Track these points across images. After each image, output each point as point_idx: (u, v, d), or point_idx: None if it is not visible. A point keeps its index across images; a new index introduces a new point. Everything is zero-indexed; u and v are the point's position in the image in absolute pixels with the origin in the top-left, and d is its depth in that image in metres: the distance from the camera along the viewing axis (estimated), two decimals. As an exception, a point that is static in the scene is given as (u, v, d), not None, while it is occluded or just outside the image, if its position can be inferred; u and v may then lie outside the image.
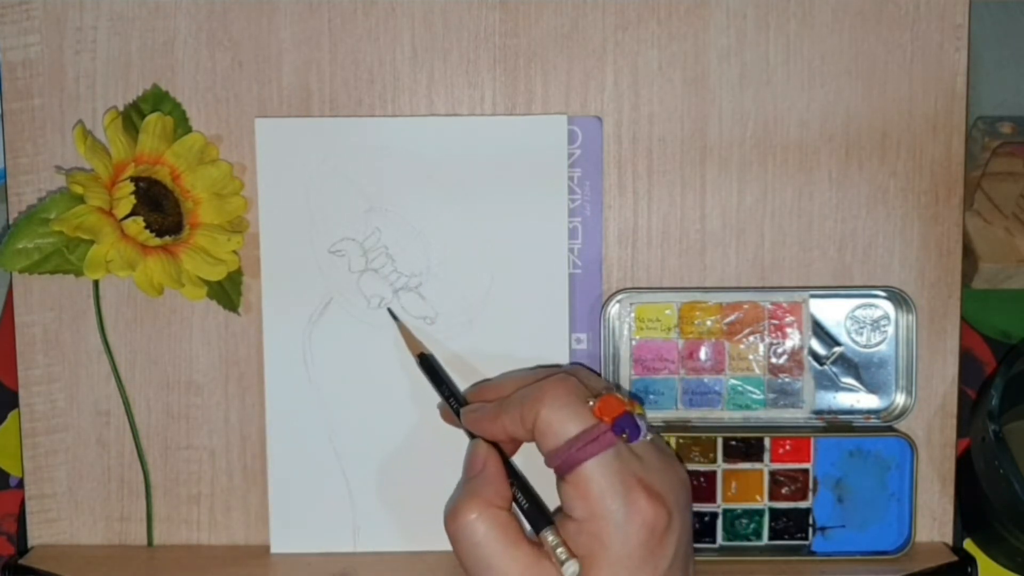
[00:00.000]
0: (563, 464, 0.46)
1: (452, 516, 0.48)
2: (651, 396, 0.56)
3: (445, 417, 0.54)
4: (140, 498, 0.57)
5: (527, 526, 0.48)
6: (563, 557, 0.46)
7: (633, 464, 0.46)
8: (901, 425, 0.56)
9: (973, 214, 0.59)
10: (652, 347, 0.56)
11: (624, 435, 0.47)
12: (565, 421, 0.47)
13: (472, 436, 0.51)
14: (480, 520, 0.47)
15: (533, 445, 0.49)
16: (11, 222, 0.56)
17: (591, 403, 0.47)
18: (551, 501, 0.49)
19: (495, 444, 0.50)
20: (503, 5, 0.56)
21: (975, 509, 0.57)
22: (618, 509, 0.45)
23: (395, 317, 0.55)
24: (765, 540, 0.56)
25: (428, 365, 0.54)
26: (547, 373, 0.50)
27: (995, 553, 0.58)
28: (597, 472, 0.46)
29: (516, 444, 0.51)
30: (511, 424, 0.48)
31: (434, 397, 0.54)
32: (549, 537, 0.47)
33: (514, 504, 0.49)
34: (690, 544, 0.48)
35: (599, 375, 0.55)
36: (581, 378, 0.49)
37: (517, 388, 0.50)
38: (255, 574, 0.55)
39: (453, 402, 0.53)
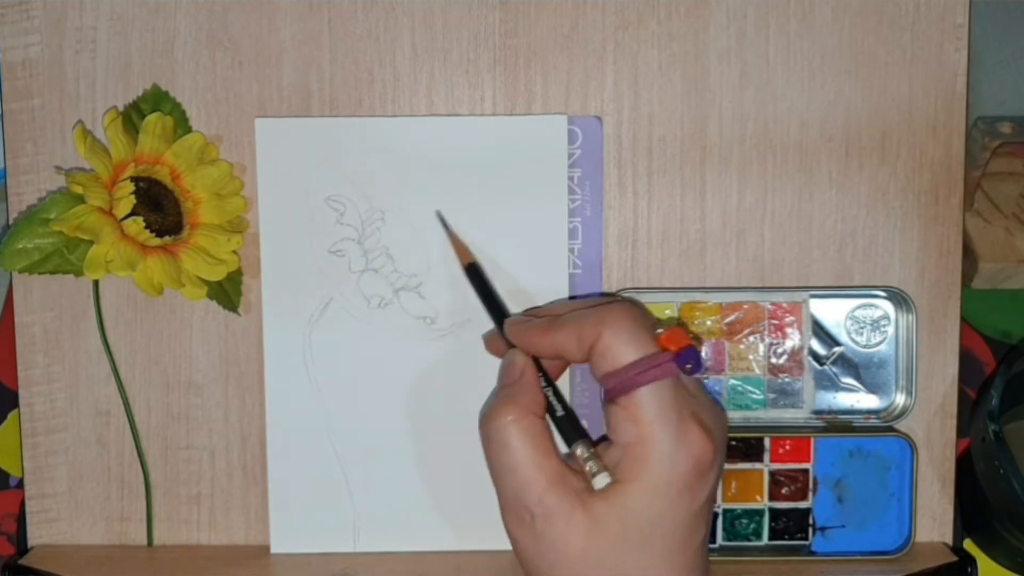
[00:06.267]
0: (619, 386, 0.45)
1: (488, 418, 0.47)
2: (651, 396, 0.56)
3: (490, 346, 0.53)
4: (140, 498, 0.57)
5: (560, 445, 0.47)
6: (595, 469, 0.46)
7: (688, 397, 0.46)
8: (901, 425, 0.56)
9: (973, 214, 0.59)
10: (652, 347, 0.56)
11: (688, 367, 0.46)
12: (627, 344, 0.46)
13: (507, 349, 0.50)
14: (515, 424, 0.46)
15: None
16: (11, 222, 0.56)
17: (659, 331, 0.47)
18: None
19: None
20: (503, 5, 0.56)
21: (975, 509, 0.57)
22: (669, 436, 0.45)
23: (445, 223, 0.54)
24: (765, 540, 0.56)
25: (477, 275, 0.53)
26: (606, 300, 0.50)
27: (995, 553, 0.58)
28: (654, 397, 0.45)
29: (559, 364, 0.51)
30: (565, 341, 0.47)
31: (432, 394, 0.54)
32: (580, 450, 0.46)
33: (547, 416, 0.48)
34: (717, 492, 0.47)
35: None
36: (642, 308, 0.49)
37: (571, 310, 0.49)
38: (255, 574, 0.55)
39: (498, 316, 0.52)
